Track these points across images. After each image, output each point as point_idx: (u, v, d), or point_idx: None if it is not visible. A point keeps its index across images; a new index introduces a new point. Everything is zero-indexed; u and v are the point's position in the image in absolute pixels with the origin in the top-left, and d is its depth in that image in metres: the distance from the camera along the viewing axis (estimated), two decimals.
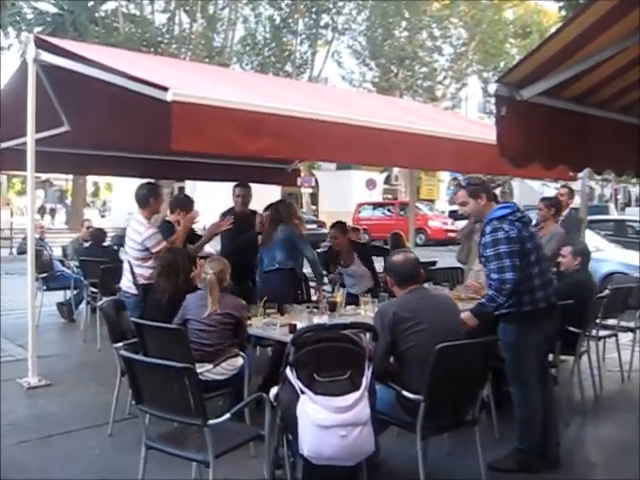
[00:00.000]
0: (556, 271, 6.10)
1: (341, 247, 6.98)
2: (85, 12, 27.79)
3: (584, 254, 5.85)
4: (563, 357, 5.65)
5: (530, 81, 3.71)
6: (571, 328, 5.32)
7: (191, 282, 5.16)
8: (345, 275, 7.02)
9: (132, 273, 5.87)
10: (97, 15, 28.35)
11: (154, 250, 5.75)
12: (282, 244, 6.43)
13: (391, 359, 3.89)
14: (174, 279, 5.16)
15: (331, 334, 3.44)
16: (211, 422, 3.23)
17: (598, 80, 4.01)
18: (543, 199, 7.08)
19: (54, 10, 30.12)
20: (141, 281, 5.83)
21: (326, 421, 3.19)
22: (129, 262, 5.95)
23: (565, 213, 7.07)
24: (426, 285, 4.76)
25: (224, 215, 6.68)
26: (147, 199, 6.01)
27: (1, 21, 26.60)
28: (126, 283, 5.97)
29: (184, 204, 6.46)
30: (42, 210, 43.91)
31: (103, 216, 46.17)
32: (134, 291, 5.84)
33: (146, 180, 7.02)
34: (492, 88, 3.64)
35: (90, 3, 28.47)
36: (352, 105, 7.00)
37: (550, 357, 5.37)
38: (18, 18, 27.75)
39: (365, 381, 3.31)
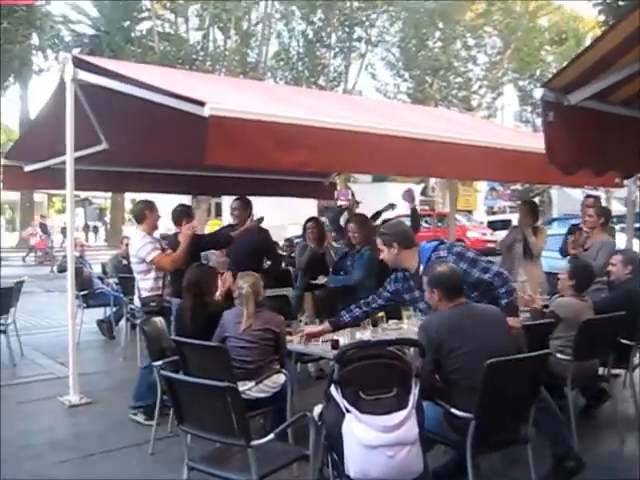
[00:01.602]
0: (606, 281, 5.90)
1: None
2: (121, 33, 28.32)
3: (635, 262, 5.65)
4: (615, 371, 5.43)
5: (577, 85, 3.57)
6: (624, 340, 5.12)
7: (214, 300, 5.16)
8: None
9: (137, 288, 5.92)
10: (133, 35, 28.86)
11: (148, 258, 5.76)
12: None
13: (437, 376, 3.76)
14: (198, 298, 5.13)
15: (376, 350, 3.33)
16: (255, 443, 3.15)
17: None
18: (594, 206, 6.75)
19: (91, 32, 30.78)
20: (144, 294, 5.84)
21: (373, 441, 3.08)
22: (135, 278, 6.02)
23: None
24: None
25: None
26: (142, 214, 6.02)
27: (41, 43, 27.19)
28: (136, 300, 6.04)
29: (188, 214, 6.56)
30: (86, 228, 44.72)
31: None
32: (140, 304, 5.91)
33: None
34: (538, 94, 3.53)
35: (126, 23, 28.99)
36: (389, 116, 6.91)
37: (602, 370, 5.22)
38: (56, 40, 28.33)
39: (412, 399, 3.20)
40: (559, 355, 4.70)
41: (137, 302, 6.01)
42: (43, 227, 27.71)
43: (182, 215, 6.54)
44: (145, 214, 6.00)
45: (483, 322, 3.80)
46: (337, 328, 4.84)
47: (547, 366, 4.02)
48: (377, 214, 6.83)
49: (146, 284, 5.86)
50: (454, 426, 3.61)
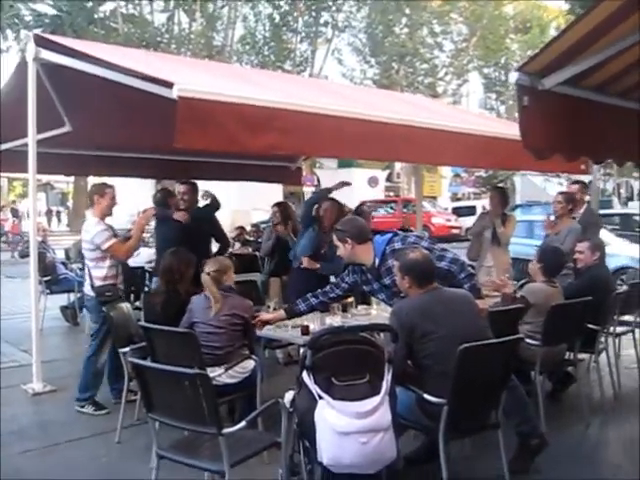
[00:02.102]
0: (573, 267, 5.96)
1: None
2: (83, 13, 27.63)
3: (602, 249, 5.71)
4: (580, 355, 5.49)
5: (551, 70, 3.57)
6: (590, 325, 5.17)
7: (189, 288, 5.04)
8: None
9: (89, 276, 5.67)
10: (96, 16, 28.19)
11: (104, 247, 5.55)
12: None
13: (409, 361, 3.75)
14: (171, 284, 5.06)
15: (349, 336, 3.29)
16: (226, 431, 3.09)
17: (620, 68, 3.85)
18: (561, 193, 6.87)
19: (52, 12, 29.96)
20: (97, 283, 5.60)
21: (346, 427, 3.04)
22: (87, 265, 5.78)
23: (583, 209, 6.86)
24: None
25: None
26: (91, 197, 5.82)
27: (0, 23, 26.49)
28: (87, 287, 5.75)
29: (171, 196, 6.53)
30: (49, 213, 43.96)
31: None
32: (93, 293, 5.64)
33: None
34: (513, 77, 3.50)
35: (88, 4, 28.32)
36: (358, 100, 6.87)
37: (569, 355, 5.27)
38: (16, 20, 27.59)
39: (385, 385, 3.17)
40: (528, 340, 4.72)
41: (88, 291, 5.70)
42: (14, 212, 27.17)
43: (164, 199, 6.45)
44: (94, 199, 5.75)
45: (455, 306, 3.79)
46: (292, 316, 4.81)
47: (516, 351, 4.02)
48: (328, 191, 6.70)
49: (100, 272, 5.60)
50: (426, 412, 3.60)
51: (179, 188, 7.15)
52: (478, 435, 3.98)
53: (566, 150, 4.05)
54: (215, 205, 7.28)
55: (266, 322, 4.81)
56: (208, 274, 4.64)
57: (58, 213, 45.87)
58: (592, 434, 5.00)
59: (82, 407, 5.51)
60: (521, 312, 4.89)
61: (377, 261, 4.34)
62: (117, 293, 5.61)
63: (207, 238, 7.19)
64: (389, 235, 4.43)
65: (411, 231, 8.30)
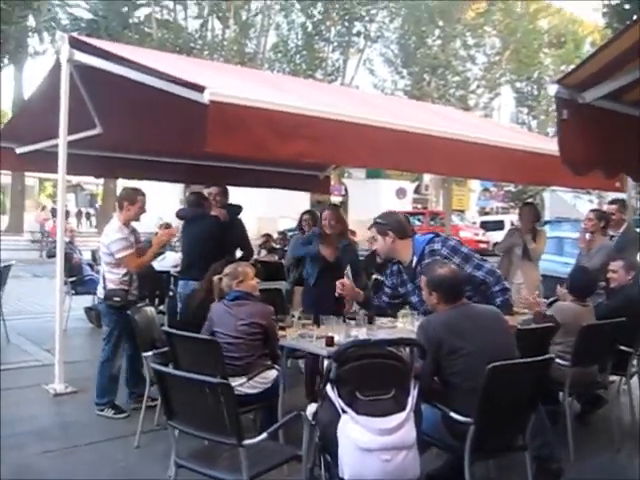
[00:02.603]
0: (604, 287, 5.81)
1: None
2: (118, 18, 28.04)
3: (636, 268, 5.56)
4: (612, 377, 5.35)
5: (592, 83, 3.46)
6: (623, 347, 5.03)
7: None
8: None
9: (103, 279, 5.65)
10: (130, 21, 28.59)
11: (117, 256, 5.50)
12: None
13: (435, 378, 3.66)
14: (206, 287, 5.00)
15: (375, 350, 3.21)
16: (247, 442, 3.02)
17: None
18: (593, 210, 6.74)
19: (89, 16, 30.41)
20: (110, 286, 5.56)
21: (369, 444, 2.97)
22: (102, 268, 5.76)
23: (623, 228, 6.69)
24: None
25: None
26: (120, 203, 5.75)
27: (37, 25, 26.90)
28: (100, 290, 5.72)
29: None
30: (79, 214, 44.52)
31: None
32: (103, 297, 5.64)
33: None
34: (552, 90, 3.40)
35: (124, 9, 28.70)
36: (389, 109, 6.80)
37: (599, 376, 5.13)
38: (53, 23, 28.03)
39: (411, 401, 3.09)
40: (558, 360, 4.60)
41: (101, 294, 5.66)
42: (54, 212, 27.44)
43: (198, 201, 6.73)
44: (123, 204, 5.70)
45: (483, 323, 3.68)
46: (364, 304, 4.82)
47: (547, 371, 3.90)
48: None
49: (114, 277, 5.57)
50: (452, 430, 3.50)
51: (211, 190, 7.16)
52: (504, 457, 3.85)
53: (605, 166, 3.93)
54: (239, 207, 7.32)
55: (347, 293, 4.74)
56: (220, 279, 4.61)
57: (88, 214, 46.45)
58: (622, 459, 4.83)
59: (101, 411, 5.48)
60: (551, 331, 4.77)
61: (415, 260, 4.25)
62: (126, 299, 5.53)
63: (235, 240, 7.14)
64: (430, 235, 4.36)
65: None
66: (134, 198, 5.71)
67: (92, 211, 48.21)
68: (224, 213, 6.87)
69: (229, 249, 6.71)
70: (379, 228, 4.37)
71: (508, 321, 3.96)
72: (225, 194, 7.19)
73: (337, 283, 4.67)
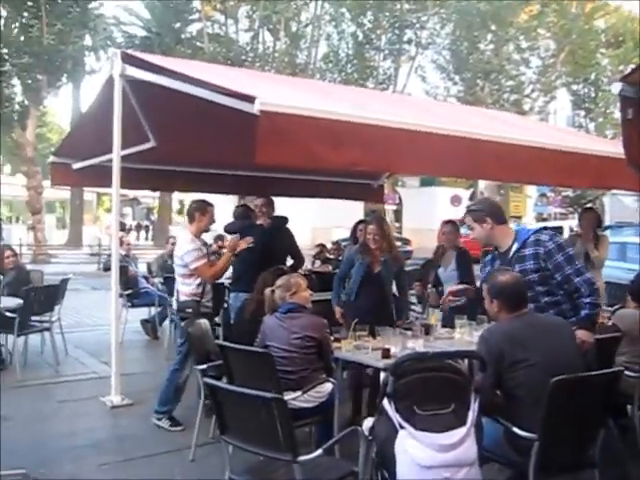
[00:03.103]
0: None
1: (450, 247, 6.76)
2: (171, 34, 28.59)
3: None
4: None
5: None
6: None
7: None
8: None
9: (177, 291, 5.74)
10: (183, 36, 29.09)
11: (192, 266, 5.56)
12: None
13: (497, 391, 3.51)
14: (257, 298, 4.96)
15: (433, 363, 3.10)
16: (302, 458, 2.94)
17: None
18: None
19: (142, 33, 31.11)
20: (182, 298, 5.65)
21: (428, 461, 2.85)
22: (176, 280, 5.84)
23: None
24: None
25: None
26: (192, 214, 5.86)
27: (93, 44, 27.59)
28: (174, 302, 5.86)
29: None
30: (138, 227, 45.52)
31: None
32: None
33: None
34: (616, 88, 3.24)
35: (176, 25, 29.23)
36: (443, 115, 6.67)
37: None
38: (109, 42, 28.69)
39: (471, 415, 2.97)
40: (625, 372, 4.38)
41: (175, 305, 5.84)
42: (122, 225, 27.87)
43: (245, 213, 6.91)
44: (194, 215, 5.81)
45: (548, 334, 3.53)
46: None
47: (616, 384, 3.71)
48: None
49: (187, 289, 5.65)
50: (515, 446, 3.35)
51: (256, 202, 7.23)
52: (572, 474, 3.66)
53: None
54: (285, 218, 7.35)
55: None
56: (272, 291, 4.56)
57: (147, 227, 47.39)
58: None
59: (159, 420, 5.49)
60: (615, 341, 4.56)
61: (516, 246, 4.09)
62: (198, 310, 5.57)
63: (284, 249, 7.15)
64: (538, 227, 4.21)
65: None
66: (204, 209, 5.83)
67: (148, 224, 49.12)
68: (269, 222, 6.92)
69: (278, 258, 6.67)
70: (475, 215, 4.22)
71: (584, 335, 3.84)
72: (271, 205, 7.23)
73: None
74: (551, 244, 4.00)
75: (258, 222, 6.94)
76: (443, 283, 6.53)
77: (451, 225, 6.90)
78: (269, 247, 6.51)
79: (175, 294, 5.80)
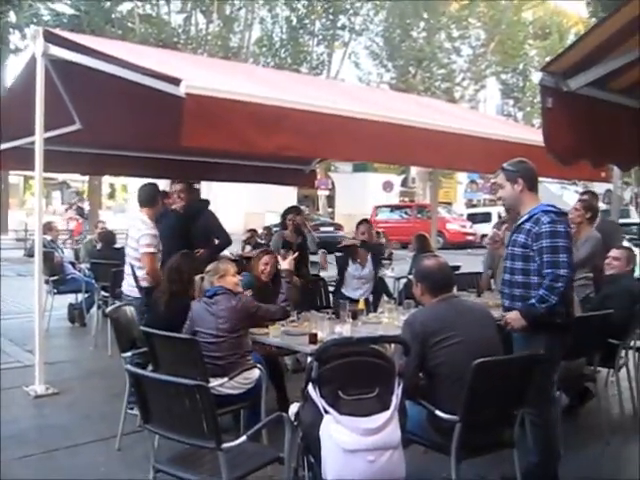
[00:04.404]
0: (592, 277, 5.75)
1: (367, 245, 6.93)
2: (101, 13, 27.69)
3: (635, 259, 5.49)
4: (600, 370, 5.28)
5: (577, 71, 3.39)
6: (612, 340, 4.96)
7: (188, 291, 4.83)
8: (350, 277, 6.94)
9: (134, 275, 5.60)
10: (113, 16, 28.26)
11: (142, 250, 5.52)
12: None
13: (421, 374, 3.58)
14: (175, 284, 4.89)
15: (358, 348, 3.12)
16: (225, 445, 2.92)
17: None
18: (580, 200, 6.58)
19: (70, 11, 30.07)
20: (144, 284, 5.56)
21: (352, 445, 2.88)
22: (131, 264, 5.70)
23: (597, 220, 6.61)
24: None
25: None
26: (154, 198, 5.83)
27: (18, 21, 26.57)
28: (127, 287, 5.71)
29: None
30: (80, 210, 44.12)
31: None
32: (135, 294, 5.58)
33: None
34: (536, 77, 3.32)
35: (106, 4, 28.39)
36: (375, 102, 6.70)
37: (586, 369, 5.07)
38: (34, 19, 27.65)
39: (395, 400, 3.00)
40: None
41: (129, 291, 5.65)
42: (80, 210, 26.77)
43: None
44: (157, 199, 5.82)
45: (472, 317, 3.64)
46: None
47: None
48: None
49: (143, 273, 5.59)
50: (438, 428, 3.42)
51: (175, 187, 7.11)
52: (492, 453, 3.76)
53: (592, 156, 3.84)
54: (206, 201, 7.37)
55: None
56: (202, 277, 4.55)
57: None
58: (611, 452, 4.77)
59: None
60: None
61: (526, 217, 3.92)
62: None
63: (205, 232, 7.05)
64: (550, 206, 3.93)
65: None
66: (159, 193, 6.00)
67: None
68: (182, 206, 6.84)
69: (199, 242, 6.63)
70: (508, 175, 4.02)
71: (513, 317, 3.82)
72: (190, 190, 7.17)
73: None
74: (545, 227, 3.79)
75: (174, 206, 6.85)
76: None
77: (366, 225, 7.05)
78: (186, 232, 6.44)
79: (131, 279, 5.63)
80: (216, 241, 7.09)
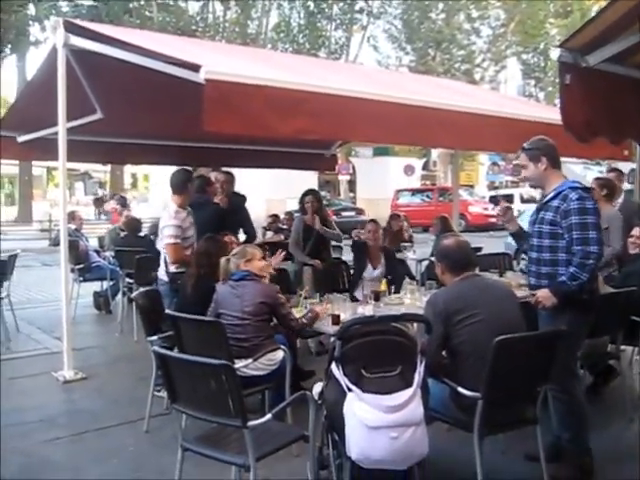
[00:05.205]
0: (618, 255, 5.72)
1: (374, 245, 6.81)
2: (119, 3, 27.77)
3: None
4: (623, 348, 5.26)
5: (595, 46, 3.36)
6: (634, 317, 4.94)
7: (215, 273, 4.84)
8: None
9: (165, 261, 5.71)
10: (131, 5, 28.32)
11: (165, 241, 5.65)
12: None
13: (444, 352, 3.61)
14: (203, 268, 4.97)
15: (380, 326, 3.16)
16: (251, 423, 2.97)
17: None
18: (596, 179, 6.55)
19: (89, 2, 30.19)
20: (172, 269, 5.66)
21: (375, 422, 2.93)
22: (162, 251, 5.81)
23: (620, 199, 6.55)
24: None
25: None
26: (184, 184, 5.88)
27: (37, 13, 26.74)
28: (161, 271, 5.82)
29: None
30: (123, 200, 44.37)
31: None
32: (167, 278, 5.69)
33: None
34: (555, 54, 3.30)
35: None
36: (393, 84, 6.70)
37: (610, 347, 5.06)
38: (54, 11, 27.81)
39: (417, 377, 3.04)
40: None
41: (162, 275, 5.76)
42: (122, 200, 26.95)
43: (202, 186, 6.73)
44: (187, 186, 5.88)
45: (494, 295, 3.66)
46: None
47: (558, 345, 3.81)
48: None
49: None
50: (461, 405, 3.45)
51: (218, 177, 7.22)
52: (515, 430, 3.77)
53: (610, 132, 3.80)
54: (244, 196, 7.50)
55: None
56: (228, 259, 4.58)
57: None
58: (635, 429, 4.77)
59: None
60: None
61: (552, 194, 3.89)
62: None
63: (238, 225, 7.22)
64: (576, 183, 3.92)
65: None
66: (191, 179, 6.07)
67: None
68: (226, 201, 6.92)
69: (234, 230, 6.73)
70: (531, 154, 3.99)
71: (543, 295, 3.80)
72: (232, 182, 7.28)
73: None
74: (574, 204, 3.75)
75: (215, 199, 6.88)
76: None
77: (373, 224, 6.96)
78: (223, 227, 6.48)
79: (163, 265, 5.75)
80: (241, 234, 7.23)
